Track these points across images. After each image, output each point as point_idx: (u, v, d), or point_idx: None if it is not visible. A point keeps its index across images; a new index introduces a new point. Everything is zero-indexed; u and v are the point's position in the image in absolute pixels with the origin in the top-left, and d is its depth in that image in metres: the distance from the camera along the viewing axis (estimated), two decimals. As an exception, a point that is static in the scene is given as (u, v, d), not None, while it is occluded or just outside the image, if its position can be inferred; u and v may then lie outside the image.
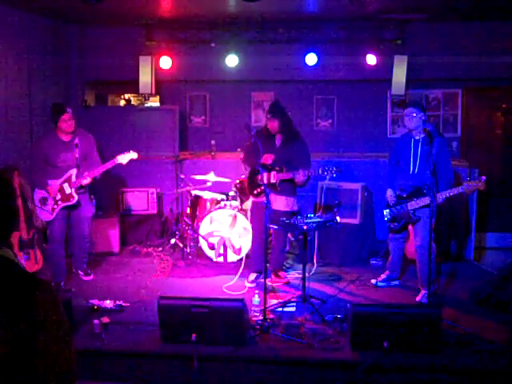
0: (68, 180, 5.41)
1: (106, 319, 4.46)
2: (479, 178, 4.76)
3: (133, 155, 5.58)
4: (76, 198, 5.43)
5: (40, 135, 5.84)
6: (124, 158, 5.54)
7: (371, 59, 7.50)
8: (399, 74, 7.33)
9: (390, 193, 5.35)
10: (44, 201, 5.41)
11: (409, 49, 7.54)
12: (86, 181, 5.41)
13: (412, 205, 5.11)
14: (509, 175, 7.81)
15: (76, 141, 5.37)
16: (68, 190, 5.41)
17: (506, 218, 7.62)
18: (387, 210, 5.33)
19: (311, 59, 7.54)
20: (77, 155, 5.41)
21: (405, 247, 5.60)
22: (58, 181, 5.40)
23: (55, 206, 5.41)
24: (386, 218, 5.37)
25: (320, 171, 5.13)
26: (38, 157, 5.43)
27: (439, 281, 5.67)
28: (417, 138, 5.15)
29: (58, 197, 5.40)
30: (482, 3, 6.38)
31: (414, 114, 5.06)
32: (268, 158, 5.35)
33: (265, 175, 5.33)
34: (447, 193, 4.88)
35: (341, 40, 7.70)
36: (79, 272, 5.75)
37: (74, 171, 5.44)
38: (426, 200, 4.96)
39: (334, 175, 5.10)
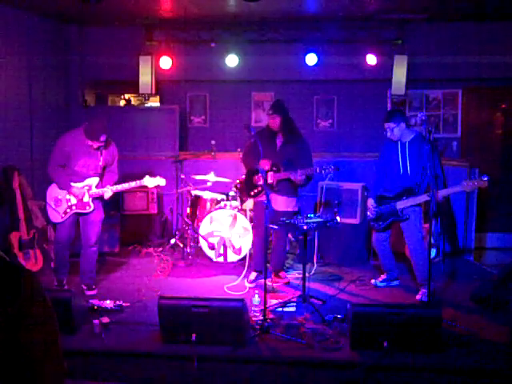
0: (88, 187, 5.17)
1: (105, 319, 4.46)
2: (481, 176, 4.76)
3: (160, 181, 5.39)
4: (92, 207, 5.19)
5: (67, 130, 5.44)
6: (151, 182, 5.34)
7: (371, 59, 7.50)
8: (399, 74, 7.33)
9: (371, 202, 5.38)
10: (57, 201, 5.17)
11: (409, 49, 7.55)
12: (108, 194, 5.20)
13: (400, 204, 5.14)
14: (509, 175, 7.82)
15: (102, 148, 5.13)
16: (86, 198, 5.16)
17: (506, 218, 7.63)
18: (373, 203, 5.34)
19: (311, 59, 7.54)
20: (101, 164, 5.19)
21: (389, 248, 5.59)
22: (78, 185, 5.14)
23: (68, 210, 5.17)
24: (368, 214, 5.41)
25: (318, 170, 5.15)
26: (59, 154, 5.13)
27: (434, 279, 5.65)
28: (404, 140, 5.19)
29: (74, 202, 5.16)
30: (482, 3, 6.38)
31: (394, 126, 5.11)
32: (265, 164, 5.37)
33: (262, 176, 5.33)
34: (446, 191, 4.89)
35: (341, 40, 7.71)
36: (83, 286, 5.37)
37: (95, 180, 5.20)
38: (419, 199, 5.02)
39: (331, 174, 5.10)
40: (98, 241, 5.43)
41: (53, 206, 5.20)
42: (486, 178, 4.72)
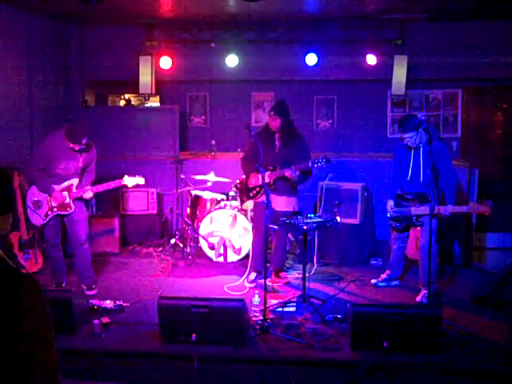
0: (68, 189, 5.20)
1: (105, 319, 4.46)
2: (486, 201, 4.76)
3: (139, 180, 5.42)
4: (73, 208, 5.21)
5: (47, 133, 5.51)
6: (130, 181, 5.39)
7: (371, 59, 7.50)
8: (399, 74, 7.33)
9: (390, 204, 5.32)
10: (38, 204, 5.20)
11: (409, 49, 7.54)
12: (88, 195, 5.23)
13: (416, 210, 5.10)
14: (509, 175, 7.81)
15: (83, 151, 5.17)
16: (67, 200, 5.19)
17: (506, 218, 7.62)
18: (393, 206, 5.31)
19: (311, 59, 7.54)
20: (81, 165, 5.22)
21: (405, 247, 5.60)
22: (58, 187, 5.18)
23: (49, 212, 5.20)
24: (388, 214, 5.36)
25: (310, 164, 5.14)
26: (40, 157, 5.18)
27: (440, 281, 5.66)
28: (418, 146, 5.11)
29: (54, 204, 5.19)
30: (482, 3, 6.38)
31: (413, 134, 5.00)
32: (256, 181, 5.47)
33: (260, 176, 5.34)
34: (453, 209, 4.89)
35: (341, 40, 7.71)
36: (83, 286, 5.39)
37: (75, 181, 5.23)
38: (427, 209, 4.96)
39: (323, 164, 5.08)
40: (88, 238, 5.44)
41: (33, 209, 5.22)
42: (489, 204, 4.73)
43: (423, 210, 5.04)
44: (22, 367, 1.17)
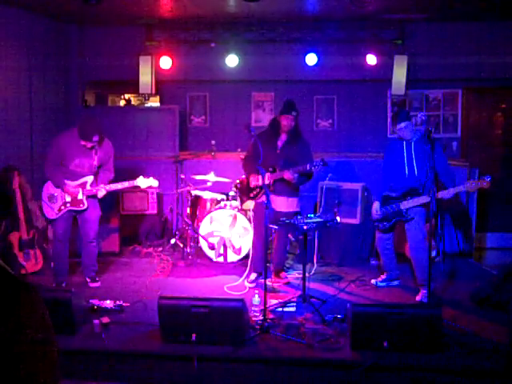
0: (82, 186, 5.26)
1: (105, 319, 4.46)
2: (483, 177, 4.79)
3: (153, 182, 5.46)
4: (86, 205, 5.28)
5: (62, 131, 5.56)
6: (144, 182, 5.41)
7: (371, 59, 7.50)
8: (399, 74, 7.33)
9: (376, 207, 5.40)
10: (52, 198, 5.27)
11: (409, 49, 7.55)
12: (102, 193, 5.28)
13: (405, 204, 5.15)
14: (509, 175, 7.81)
15: (97, 148, 5.20)
16: (80, 196, 5.25)
17: (506, 218, 7.62)
18: (378, 209, 5.36)
19: (311, 59, 7.54)
20: (96, 163, 5.26)
21: (405, 247, 5.60)
22: (71, 183, 5.24)
23: (62, 207, 5.27)
24: (373, 218, 5.43)
25: (308, 167, 5.15)
26: (54, 153, 5.23)
27: (436, 279, 5.66)
28: (410, 140, 5.21)
29: (68, 199, 5.26)
30: (482, 3, 6.38)
31: (407, 125, 5.13)
32: (256, 181, 5.49)
33: (260, 176, 5.34)
34: (448, 192, 4.90)
35: (341, 40, 7.71)
36: (87, 279, 5.55)
37: (90, 178, 5.28)
38: (422, 199, 5.04)
39: (320, 167, 5.11)
40: (97, 236, 5.58)
41: (48, 203, 5.28)
42: (488, 179, 4.75)
43: (414, 201, 5.08)
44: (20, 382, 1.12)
